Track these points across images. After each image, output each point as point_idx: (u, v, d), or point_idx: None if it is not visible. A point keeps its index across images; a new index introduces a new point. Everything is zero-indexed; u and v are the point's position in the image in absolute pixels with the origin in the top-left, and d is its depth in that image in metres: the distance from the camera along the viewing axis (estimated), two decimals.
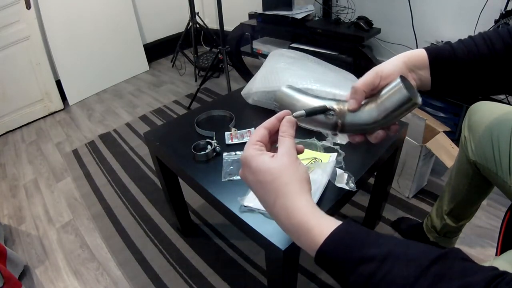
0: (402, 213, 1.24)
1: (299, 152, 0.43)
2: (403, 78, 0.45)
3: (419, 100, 0.45)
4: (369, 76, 0.47)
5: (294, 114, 0.43)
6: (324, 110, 0.47)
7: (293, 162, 0.38)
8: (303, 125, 0.49)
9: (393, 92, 0.44)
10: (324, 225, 0.34)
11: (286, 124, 0.42)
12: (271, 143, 0.44)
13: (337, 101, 0.48)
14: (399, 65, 0.48)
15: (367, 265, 0.30)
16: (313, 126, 0.49)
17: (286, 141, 0.40)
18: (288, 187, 0.36)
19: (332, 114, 0.47)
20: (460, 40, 0.49)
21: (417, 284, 0.27)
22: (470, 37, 0.49)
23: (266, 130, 0.42)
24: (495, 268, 0.27)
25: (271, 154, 0.39)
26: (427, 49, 0.49)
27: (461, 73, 0.48)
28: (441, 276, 0.27)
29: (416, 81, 0.49)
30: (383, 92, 0.46)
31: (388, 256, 0.30)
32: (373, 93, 0.48)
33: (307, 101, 0.49)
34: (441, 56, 0.48)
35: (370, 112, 0.46)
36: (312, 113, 0.46)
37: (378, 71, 0.47)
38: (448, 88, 0.50)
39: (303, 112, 0.44)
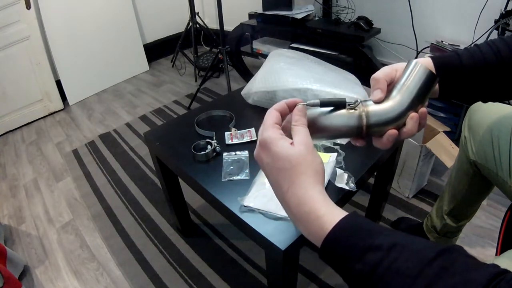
0: (402, 213, 1.24)
1: None
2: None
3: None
4: (386, 68, 0.46)
5: (307, 102, 0.41)
6: (343, 104, 0.41)
7: (310, 152, 0.38)
8: (317, 140, 0.44)
9: (415, 72, 0.42)
10: (334, 214, 0.34)
11: (298, 113, 0.41)
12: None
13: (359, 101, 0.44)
14: None
15: (373, 253, 0.30)
16: (329, 134, 0.43)
17: (300, 130, 0.40)
18: (304, 177, 0.37)
19: (354, 108, 0.41)
20: (466, 48, 0.49)
21: (421, 276, 0.27)
22: (475, 45, 0.49)
23: (279, 113, 0.41)
24: (497, 266, 0.27)
25: (290, 140, 0.39)
26: (433, 57, 0.48)
27: (469, 81, 0.47)
28: (444, 269, 0.27)
29: None
30: (403, 77, 0.43)
31: (394, 246, 0.30)
32: (389, 88, 0.46)
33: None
34: (447, 64, 0.47)
35: (395, 100, 0.42)
36: (327, 104, 0.42)
37: (393, 66, 0.46)
38: (456, 96, 0.50)
39: (317, 101, 0.41)
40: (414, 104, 0.42)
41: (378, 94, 0.43)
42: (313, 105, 0.42)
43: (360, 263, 0.30)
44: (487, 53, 0.46)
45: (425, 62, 0.48)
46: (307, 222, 0.36)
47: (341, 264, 0.33)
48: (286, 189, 0.37)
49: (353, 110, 0.42)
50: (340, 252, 0.33)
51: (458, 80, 0.48)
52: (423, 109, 0.43)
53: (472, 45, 0.49)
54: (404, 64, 0.46)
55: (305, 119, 0.41)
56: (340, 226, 0.33)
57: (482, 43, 0.48)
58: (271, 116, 0.41)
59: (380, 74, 0.45)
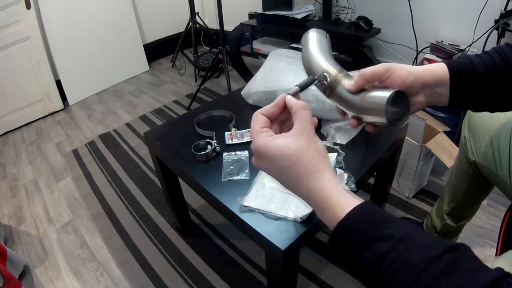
0: (402, 213, 1.24)
1: (315, 125, 0.41)
2: (399, 94, 0.43)
3: (404, 122, 0.45)
4: (380, 68, 0.46)
5: (289, 92, 0.44)
6: (312, 81, 0.49)
7: (310, 142, 0.37)
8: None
9: (377, 104, 0.43)
10: (346, 202, 0.35)
11: (291, 99, 0.41)
12: (278, 125, 0.43)
13: (343, 72, 0.49)
14: (414, 74, 0.46)
15: (383, 243, 0.31)
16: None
17: (298, 114, 0.39)
18: (309, 169, 0.37)
19: (324, 82, 0.48)
20: (476, 55, 0.48)
21: (427, 270, 0.28)
22: (484, 52, 0.48)
23: (264, 116, 0.41)
24: (501, 269, 0.27)
25: (283, 135, 0.38)
26: (447, 63, 0.47)
27: (481, 88, 0.47)
28: (450, 267, 0.28)
29: (427, 98, 0.48)
30: (374, 93, 0.44)
31: (405, 238, 0.30)
32: (383, 84, 0.47)
33: (318, 60, 0.51)
34: (462, 71, 0.47)
35: (353, 101, 0.46)
36: (304, 86, 0.47)
37: (390, 69, 0.46)
38: (465, 104, 0.49)
39: (297, 88, 0.46)
40: (359, 118, 0.48)
41: (351, 86, 0.46)
42: (296, 93, 0.45)
43: (369, 251, 0.31)
44: (497, 60, 0.46)
45: (440, 67, 0.47)
46: (320, 210, 0.37)
47: (350, 252, 0.33)
48: (295, 184, 0.38)
49: (324, 81, 0.49)
50: (351, 239, 0.33)
51: (471, 88, 0.47)
52: (369, 127, 0.49)
53: (471, 48, 0.48)
54: (403, 66, 0.46)
55: (301, 100, 0.41)
56: (352, 214, 0.34)
57: (490, 50, 0.48)
58: (257, 121, 0.41)
59: (367, 73, 0.46)
